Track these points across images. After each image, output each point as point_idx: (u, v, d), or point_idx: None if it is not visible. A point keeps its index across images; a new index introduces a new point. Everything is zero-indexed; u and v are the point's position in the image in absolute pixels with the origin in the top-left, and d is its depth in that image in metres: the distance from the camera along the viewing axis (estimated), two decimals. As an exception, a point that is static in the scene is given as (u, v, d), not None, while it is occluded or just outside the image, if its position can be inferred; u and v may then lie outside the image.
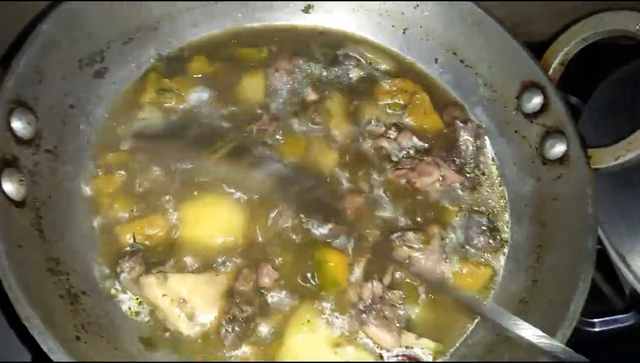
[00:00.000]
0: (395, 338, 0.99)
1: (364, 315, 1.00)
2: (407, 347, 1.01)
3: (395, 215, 1.13)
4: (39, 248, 0.94)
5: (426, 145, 1.23)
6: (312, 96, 1.25)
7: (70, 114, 1.10)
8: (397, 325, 1.01)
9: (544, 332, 0.93)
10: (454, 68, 1.34)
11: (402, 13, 1.35)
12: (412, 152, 1.21)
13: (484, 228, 1.13)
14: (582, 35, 1.16)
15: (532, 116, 1.20)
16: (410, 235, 1.08)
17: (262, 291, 1.01)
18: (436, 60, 1.35)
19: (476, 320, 1.06)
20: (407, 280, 1.06)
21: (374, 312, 1.00)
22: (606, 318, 1.17)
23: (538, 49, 1.23)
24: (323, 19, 1.38)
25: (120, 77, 1.21)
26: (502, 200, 1.21)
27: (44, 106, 1.04)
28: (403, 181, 1.16)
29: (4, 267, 0.82)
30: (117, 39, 1.19)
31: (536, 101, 1.19)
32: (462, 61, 1.32)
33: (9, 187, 0.92)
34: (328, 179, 1.15)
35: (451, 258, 1.10)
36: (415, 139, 1.22)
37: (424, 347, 1.02)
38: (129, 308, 0.99)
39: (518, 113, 1.23)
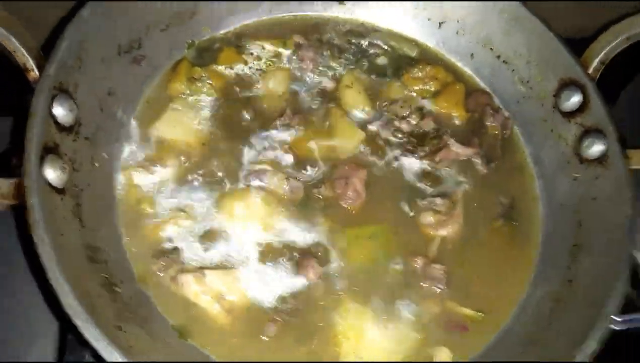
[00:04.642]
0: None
1: None
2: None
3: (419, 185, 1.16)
4: (79, 236, 0.94)
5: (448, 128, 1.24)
6: (333, 85, 1.26)
7: (108, 101, 1.10)
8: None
9: (579, 331, 0.93)
10: (489, 63, 1.32)
11: (440, 7, 1.33)
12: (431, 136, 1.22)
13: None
14: (625, 35, 1.15)
15: (570, 115, 1.18)
16: (438, 200, 1.11)
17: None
18: (472, 55, 1.34)
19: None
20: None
21: None
22: (626, 317, 1.15)
23: (577, 46, 1.21)
24: (357, 10, 1.37)
25: (157, 64, 1.21)
26: (532, 196, 1.20)
27: (83, 93, 1.03)
28: (425, 161, 1.19)
29: (48, 255, 0.83)
30: (155, 26, 1.19)
31: (575, 100, 1.17)
32: (498, 57, 1.31)
33: (51, 174, 0.92)
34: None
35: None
36: (434, 125, 1.23)
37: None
38: (164, 298, 1.00)
39: (555, 111, 1.21)
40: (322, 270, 1.03)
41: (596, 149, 1.12)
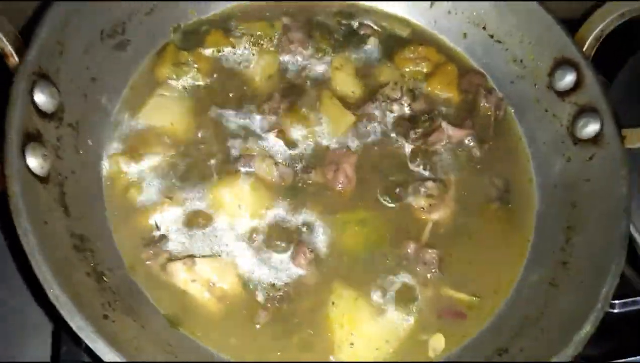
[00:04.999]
0: None
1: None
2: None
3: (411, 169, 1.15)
4: (64, 224, 0.92)
5: (441, 110, 1.22)
6: (323, 67, 1.24)
7: (92, 87, 1.08)
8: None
9: (574, 315, 0.92)
10: (482, 43, 1.30)
11: (431, -14, 1.31)
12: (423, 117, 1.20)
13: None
14: (620, 11, 1.12)
15: (565, 94, 1.16)
16: (430, 183, 1.10)
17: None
18: (465, 34, 1.32)
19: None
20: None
21: None
22: (626, 300, 1.15)
23: (571, 25, 1.19)
24: (348, -9, 1.35)
25: (142, 49, 1.18)
26: (528, 178, 1.19)
27: (65, 79, 1.01)
28: (417, 144, 1.17)
29: (31, 244, 0.81)
30: (139, 10, 1.16)
31: (569, 78, 1.15)
32: (491, 36, 1.29)
33: (33, 162, 0.90)
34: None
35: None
36: (426, 106, 1.21)
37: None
38: (154, 286, 0.98)
39: (550, 90, 1.19)
40: (313, 257, 1.01)
41: (591, 128, 1.11)
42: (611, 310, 1.13)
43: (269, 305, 0.98)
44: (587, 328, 0.89)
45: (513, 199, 1.15)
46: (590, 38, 1.15)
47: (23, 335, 1.01)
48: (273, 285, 1.00)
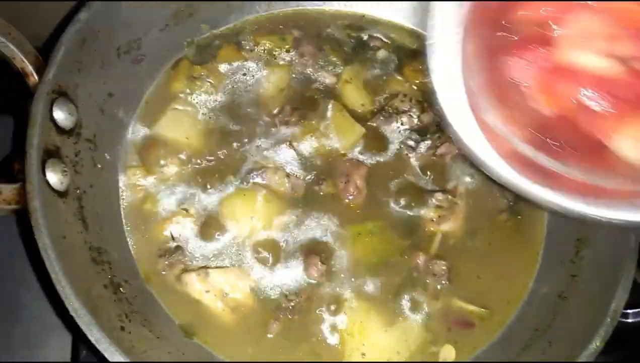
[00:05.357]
0: None
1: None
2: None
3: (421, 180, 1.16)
4: (82, 238, 0.95)
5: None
6: (333, 80, 1.25)
7: (109, 103, 1.11)
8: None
9: (584, 327, 0.93)
10: (491, 54, 1.31)
11: (441, -2, 1.32)
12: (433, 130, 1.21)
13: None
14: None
15: (569, 108, 1.17)
16: (439, 195, 1.11)
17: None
18: (473, 45, 1.32)
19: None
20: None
21: None
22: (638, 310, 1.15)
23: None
24: (357, 3, 1.36)
25: (157, 64, 1.20)
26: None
27: (83, 95, 1.04)
28: (426, 155, 1.18)
29: (50, 259, 0.84)
30: (154, 26, 1.18)
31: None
32: (500, 47, 1.29)
33: (53, 178, 0.93)
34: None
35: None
36: (435, 118, 1.21)
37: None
38: (169, 297, 1.01)
39: (557, 103, 1.20)
40: (325, 268, 1.03)
41: (600, 140, 1.11)
42: (624, 320, 1.13)
43: (281, 315, 1.00)
44: (597, 343, 0.90)
45: (523, 210, 1.15)
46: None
47: (44, 337, 1.04)
48: (285, 295, 1.02)
